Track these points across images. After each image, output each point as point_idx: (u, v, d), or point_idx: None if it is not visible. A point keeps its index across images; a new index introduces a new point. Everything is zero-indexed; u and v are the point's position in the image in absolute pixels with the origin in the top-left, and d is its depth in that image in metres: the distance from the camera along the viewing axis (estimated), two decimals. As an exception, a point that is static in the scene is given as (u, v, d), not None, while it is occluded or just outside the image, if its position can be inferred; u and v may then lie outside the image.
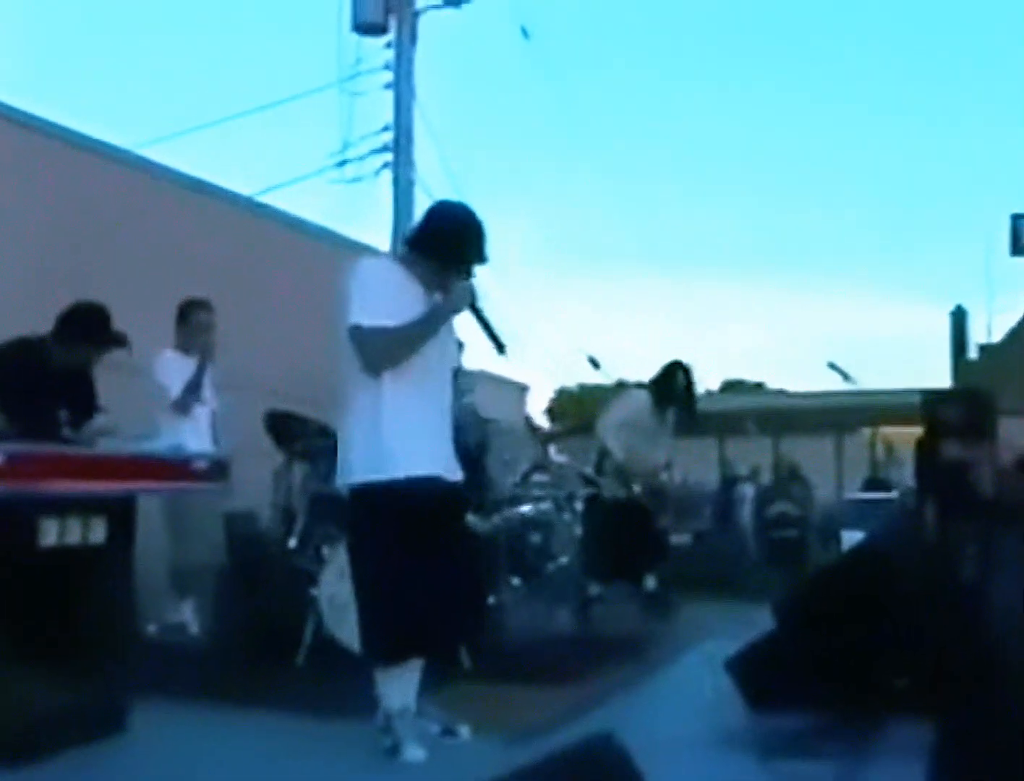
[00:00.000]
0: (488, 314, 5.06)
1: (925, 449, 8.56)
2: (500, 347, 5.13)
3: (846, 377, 10.32)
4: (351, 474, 4.92)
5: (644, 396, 9.62)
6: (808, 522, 14.25)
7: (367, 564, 4.97)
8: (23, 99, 8.87)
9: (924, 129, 73.27)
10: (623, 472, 9.42)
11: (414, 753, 4.75)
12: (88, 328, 5.91)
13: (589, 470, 9.43)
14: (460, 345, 5.64)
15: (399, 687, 4.86)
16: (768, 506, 14.51)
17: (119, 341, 5.97)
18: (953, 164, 75.44)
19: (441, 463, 4.98)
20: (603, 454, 9.49)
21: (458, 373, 5.80)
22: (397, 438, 4.80)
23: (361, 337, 4.81)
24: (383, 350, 4.83)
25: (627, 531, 8.99)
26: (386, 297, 4.86)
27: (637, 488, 9.46)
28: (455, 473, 5.08)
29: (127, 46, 70.75)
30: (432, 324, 4.92)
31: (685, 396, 9.52)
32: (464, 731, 5.08)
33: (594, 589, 8.68)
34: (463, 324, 5.20)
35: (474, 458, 7.02)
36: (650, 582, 9.20)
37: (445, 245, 5.00)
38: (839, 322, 67.70)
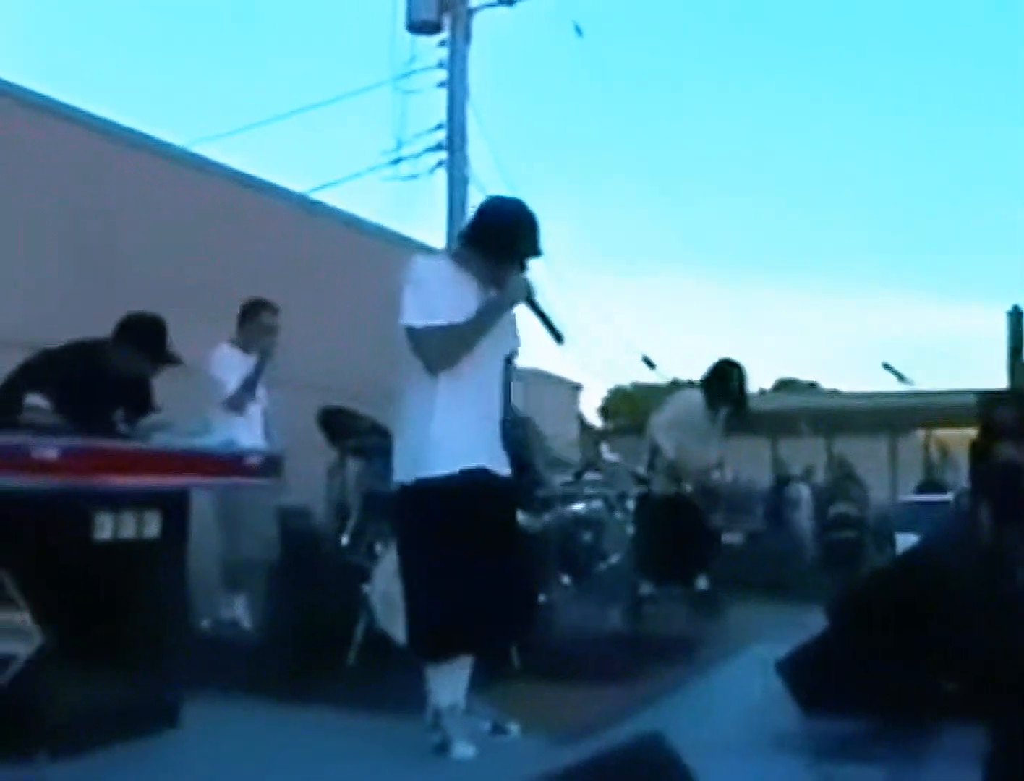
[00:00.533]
0: (544, 306, 5.06)
1: (980, 451, 8.50)
2: (558, 337, 5.13)
3: (901, 378, 10.26)
4: (402, 472, 4.94)
5: (696, 395, 9.60)
6: (866, 524, 14.14)
7: (416, 560, 4.98)
8: (80, 98, 8.96)
9: (979, 128, 72.61)
10: (675, 471, 9.40)
11: (463, 751, 4.76)
12: (143, 341, 5.93)
13: (641, 469, 9.41)
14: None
15: (449, 684, 4.86)
16: (827, 507, 14.40)
17: (172, 360, 6.00)
18: (1011, 162, 74.59)
19: (490, 457, 4.99)
20: (655, 452, 9.47)
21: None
22: (447, 434, 4.82)
23: (417, 337, 4.82)
24: (441, 349, 4.83)
25: (679, 530, 8.98)
26: (439, 296, 4.86)
27: (689, 487, 9.43)
28: (504, 467, 5.08)
29: (183, 45, 71.26)
30: (488, 319, 4.92)
31: (736, 394, 9.48)
32: (514, 729, 5.09)
33: (646, 588, 8.67)
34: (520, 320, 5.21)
35: (522, 455, 7.03)
36: (702, 582, 9.18)
37: (499, 239, 4.99)
38: (894, 322, 67.27)
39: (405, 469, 4.92)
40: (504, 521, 5.10)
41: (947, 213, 74.47)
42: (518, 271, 5.00)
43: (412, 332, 4.82)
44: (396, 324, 4.87)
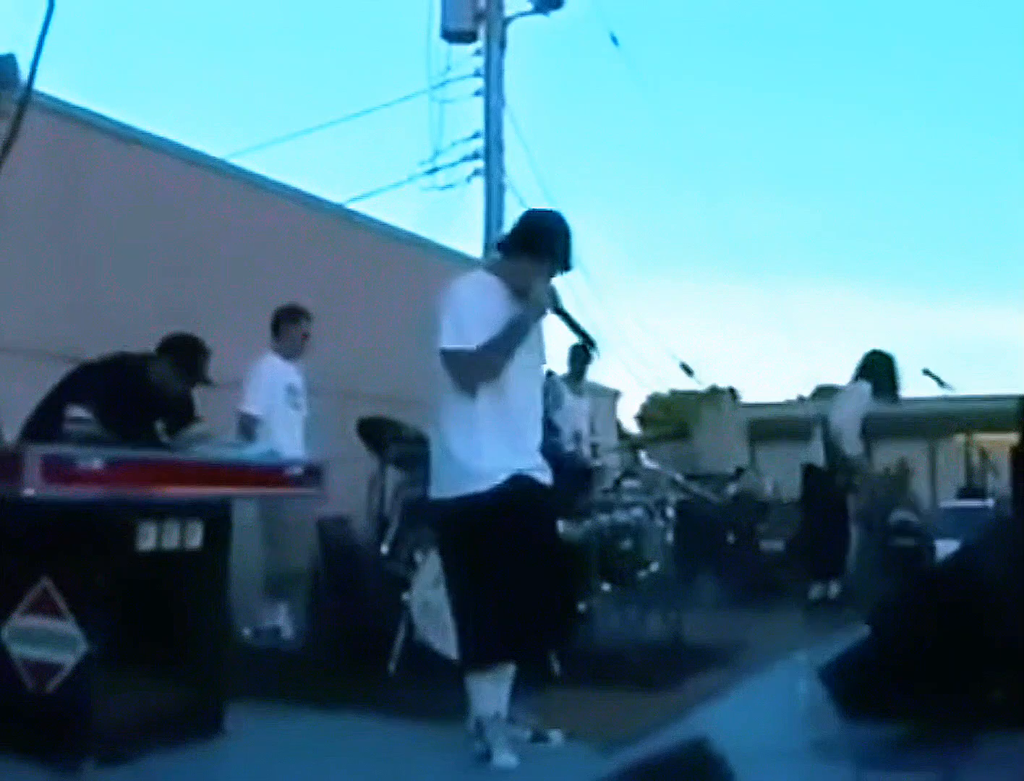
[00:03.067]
0: (573, 314, 5.10)
1: (1020, 456, 8.43)
2: (591, 343, 5.16)
3: (941, 383, 10.17)
4: (446, 487, 4.98)
5: (866, 388, 9.64)
6: (926, 532, 13.98)
7: (462, 573, 5.01)
8: (119, 111, 9.02)
9: (1020, 133, 72.12)
10: (852, 467, 9.53)
11: (505, 759, 4.77)
12: (182, 360, 6.01)
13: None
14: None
15: (491, 693, 4.87)
16: (885, 513, 14.24)
17: (206, 382, 6.07)
18: (1051, 167, 74.08)
19: (531, 465, 5.01)
20: (832, 451, 9.51)
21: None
22: (489, 448, 4.87)
23: (449, 360, 4.90)
24: (473, 371, 4.89)
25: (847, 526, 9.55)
26: (474, 315, 4.92)
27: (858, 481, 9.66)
28: (545, 475, 5.10)
29: (221, 58, 71.57)
30: (517, 333, 4.95)
31: (893, 386, 9.59)
32: (556, 737, 5.09)
33: (817, 591, 9.22)
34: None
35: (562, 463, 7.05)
36: (833, 588, 9.42)
37: (534, 243, 5.07)
38: (933, 327, 66.78)
39: (448, 484, 4.96)
40: (545, 528, 5.13)
41: (987, 217, 73.93)
42: (547, 278, 5.04)
43: (446, 354, 4.90)
44: (434, 346, 4.94)
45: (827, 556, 9.57)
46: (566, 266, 5.14)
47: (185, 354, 6.05)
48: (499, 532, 4.80)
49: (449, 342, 4.88)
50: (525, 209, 5.67)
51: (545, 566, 4.91)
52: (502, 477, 4.85)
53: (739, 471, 14.83)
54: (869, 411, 9.74)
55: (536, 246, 5.07)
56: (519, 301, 5.02)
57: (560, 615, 5.24)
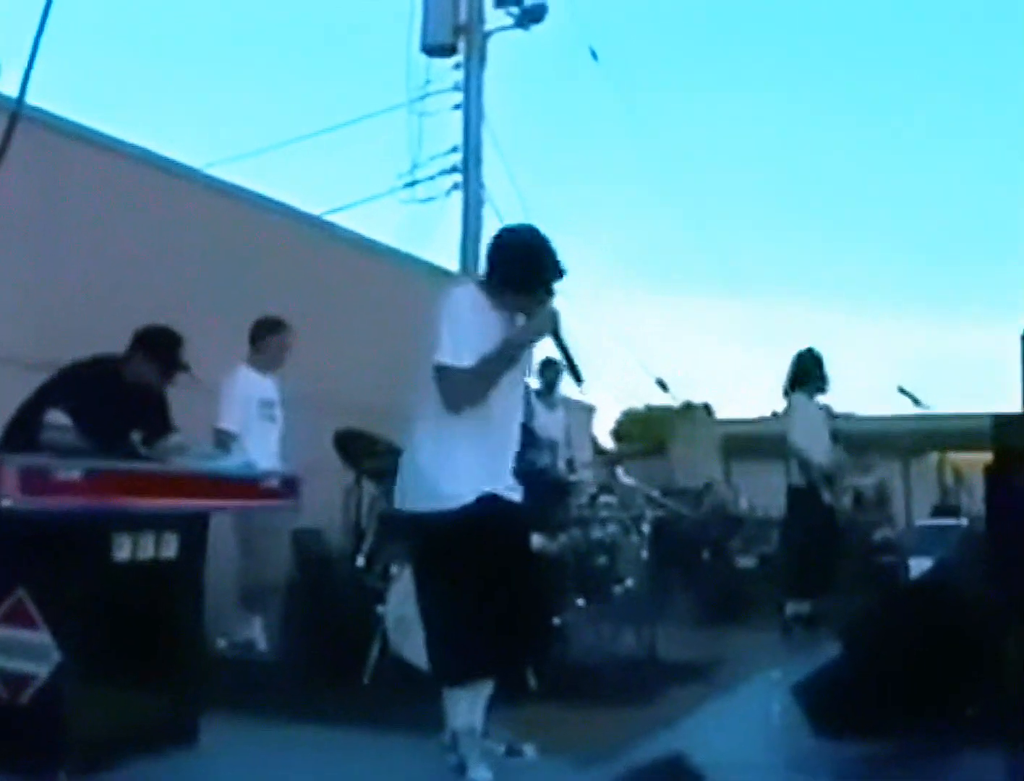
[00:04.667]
0: (568, 343, 5.01)
1: (994, 475, 8.46)
2: (578, 379, 5.11)
3: (916, 402, 10.21)
4: (415, 500, 4.96)
5: (801, 397, 9.64)
6: (903, 549, 13.99)
7: (433, 587, 5.00)
8: (97, 120, 8.99)
9: (992, 149, 72.56)
10: (832, 476, 9.54)
11: (480, 773, 4.75)
12: (156, 350, 6.01)
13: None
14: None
15: (466, 707, 4.86)
16: (872, 531, 14.24)
17: (183, 367, 6.05)
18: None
19: (502, 484, 4.99)
20: (804, 466, 9.50)
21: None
22: (464, 464, 4.84)
23: (441, 376, 4.84)
24: (462, 391, 4.83)
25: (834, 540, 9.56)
26: (472, 332, 4.85)
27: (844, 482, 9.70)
28: (516, 493, 5.08)
29: (198, 67, 71.48)
30: (511, 354, 4.91)
31: (820, 376, 9.63)
32: (529, 751, 5.09)
33: (796, 608, 9.20)
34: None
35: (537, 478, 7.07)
36: (806, 606, 9.39)
37: (519, 270, 4.99)
38: (908, 345, 66.99)
39: (419, 497, 4.93)
40: (517, 545, 5.11)
41: (963, 235, 74.27)
42: (545, 298, 4.99)
43: (439, 370, 4.84)
44: (426, 358, 4.87)
45: (810, 574, 9.51)
46: (558, 274, 5.05)
47: (159, 345, 6.05)
48: (465, 547, 4.78)
49: (444, 357, 4.82)
50: (495, 233, 5.46)
51: (515, 582, 4.89)
52: (470, 498, 4.82)
53: (708, 485, 14.90)
54: (819, 414, 9.71)
55: (518, 280, 4.98)
56: (513, 320, 5.00)
57: (533, 631, 5.21)
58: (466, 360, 4.79)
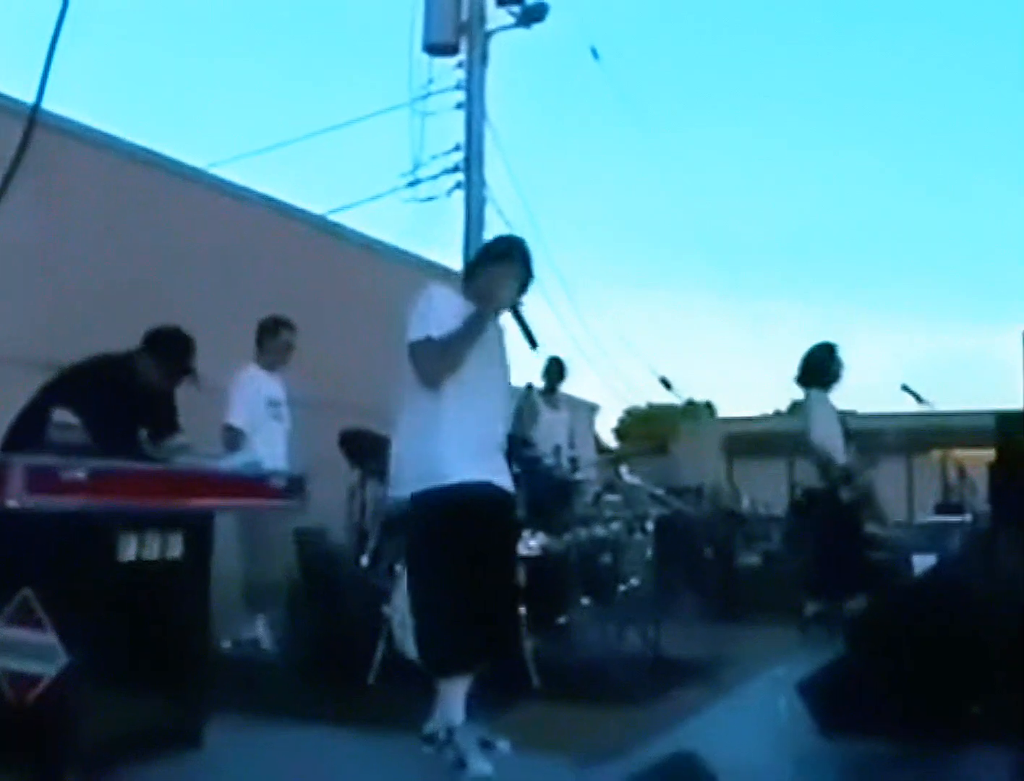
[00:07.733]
0: (525, 313, 5.16)
1: (998, 472, 8.45)
2: (533, 343, 5.20)
3: (920, 399, 10.16)
4: (405, 485, 5.00)
5: (819, 393, 9.55)
6: (893, 544, 13.99)
7: (423, 570, 5.04)
8: (99, 120, 9.00)
9: (995, 149, 72.47)
10: (851, 473, 9.47)
11: (481, 767, 4.73)
12: (167, 351, 6.01)
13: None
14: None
15: (460, 701, 4.87)
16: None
17: (191, 371, 6.06)
18: (1027, 184, 74.41)
19: (493, 471, 5.04)
20: (823, 465, 9.43)
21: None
22: (455, 447, 4.88)
23: (413, 351, 4.97)
24: (432, 361, 4.94)
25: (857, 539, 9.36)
26: (441, 316, 4.98)
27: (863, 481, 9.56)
28: (507, 482, 5.12)
29: (202, 67, 71.53)
30: (476, 325, 5.00)
31: (835, 369, 9.53)
32: (503, 745, 5.01)
33: (813, 607, 9.01)
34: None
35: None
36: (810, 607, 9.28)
37: (492, 252, 5.36)
38: (911, 343, 66.99)
39: (408, 480, 4.98)
40: (497, 531, 5.09)
41: (964, 234, 74.26)
42: (509, 283, 5.12)
43: (412, 346, 4.98)
44: (403, 348, 5.01)
45: (833, 575, 9.35)
46: (528, 272, 5.24)
47: (170, 347, 6.06)
48: (460, 530, 4.81)
49: (414, 334, 4.96)
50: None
51: (498, 572, 4.95)
52: (458, 479, 4.86)
53: (710, 484, 14.90)
54: (835, 412, 9.65)
55: (495, 252, 5.30)
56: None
57: (502, 623, 5.19)
58: (434, 332, 4.92)
